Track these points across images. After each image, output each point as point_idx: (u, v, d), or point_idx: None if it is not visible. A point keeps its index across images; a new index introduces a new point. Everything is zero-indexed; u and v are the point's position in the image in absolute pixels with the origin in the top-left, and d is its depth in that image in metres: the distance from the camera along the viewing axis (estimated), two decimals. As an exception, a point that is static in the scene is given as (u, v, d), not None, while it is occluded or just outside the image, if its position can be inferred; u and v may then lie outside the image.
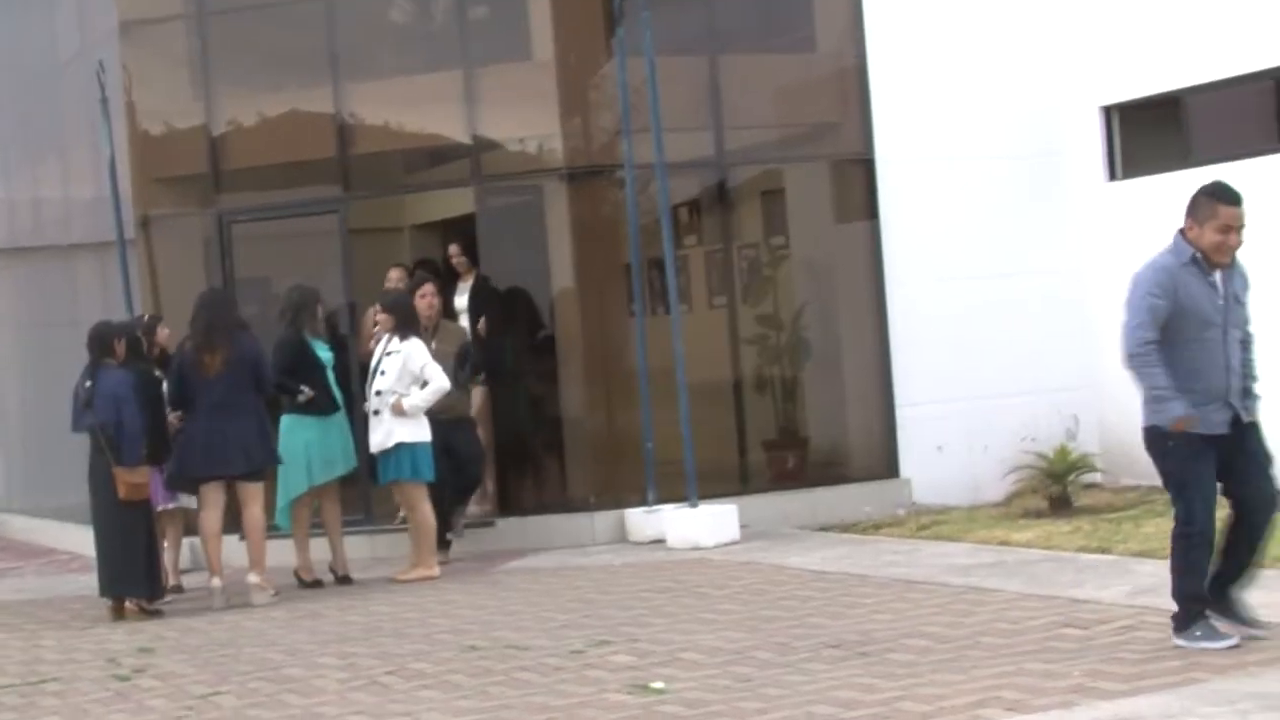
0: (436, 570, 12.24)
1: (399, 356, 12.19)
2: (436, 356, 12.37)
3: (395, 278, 13.64)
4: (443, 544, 12.74)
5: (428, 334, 12.62)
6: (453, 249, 14.00)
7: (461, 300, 13.78)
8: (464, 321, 13.52)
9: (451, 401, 12.44)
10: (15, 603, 13.15)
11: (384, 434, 12.16)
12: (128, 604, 11.65)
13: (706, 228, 14.61)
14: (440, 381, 12.18)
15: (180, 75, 14.79)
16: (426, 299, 12.79)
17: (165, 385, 12.21)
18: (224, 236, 14.28)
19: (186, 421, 11.93)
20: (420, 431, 12.18)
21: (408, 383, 12.15)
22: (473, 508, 13.36)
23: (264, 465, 11.96)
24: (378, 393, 12.18)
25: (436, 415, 12.28)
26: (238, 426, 11.75)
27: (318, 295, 12.75)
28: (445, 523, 12.77)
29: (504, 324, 13.68)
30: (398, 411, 12.09)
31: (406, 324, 12.33)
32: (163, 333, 12.90)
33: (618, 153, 13.53)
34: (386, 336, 12.35)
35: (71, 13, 16.75)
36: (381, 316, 12.47)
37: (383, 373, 12.20)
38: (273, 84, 14.81)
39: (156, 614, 11.59)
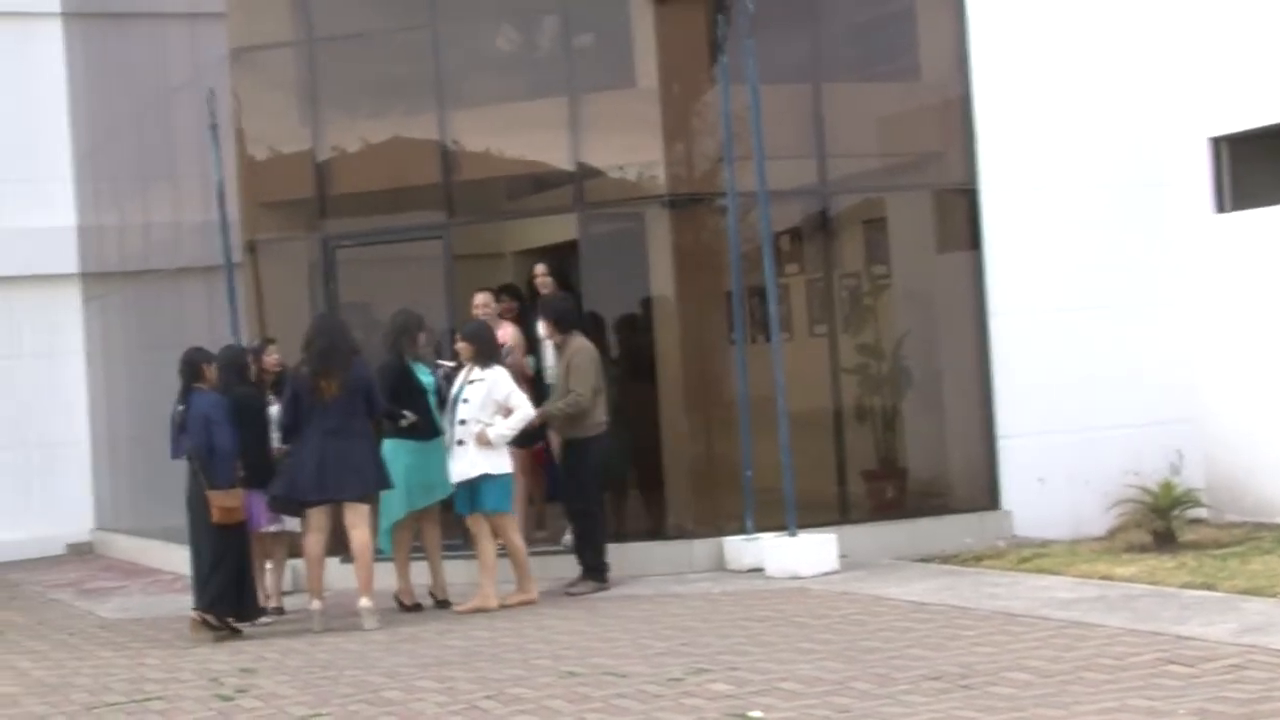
0: (535, 595, 12.29)
1: (482, 385, 12.17)
2: (549, 378, 12.43)
3: (481, 302, 13.42)
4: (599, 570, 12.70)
5: (558, 353, 12.69)
6: (538, 269, 13.86)
7: None
8: (548, 348, 13.45)
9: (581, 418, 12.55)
10: (120, 621, 13.33)
11: (468, 464, 12.14)
12: (191, 615, 11.81)
13: (808, 256, 14.58)
14: (526, 410, 12.20)
15: (288, 101, 14.99)
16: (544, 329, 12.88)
17: (275, 409, 12.36)
18: (328, 261, 14.42)
19: (296, 445, 12.01)
20: (504, 462, 12.20)
21: (491, 411, 12.14)
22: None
23: (377, 489, 12.03)
24: (461, 422, 12.16)
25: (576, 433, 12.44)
26: (352, 450, 11.81)
27: (421, 320, 12.80)
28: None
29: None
30: (482, 442, 12.10)
31: (487, 353, 12.33)
32: (272, 357, 13.02)
33: (720, 180, 13.54)
34: (468, 365, 12.38)
35: (183, 40, 17.01)
36: (461, 345, 12.44)
37: (465, 401, 12.18)
38: (378, 110, 14.98)
39: (235, 632, 11.72)
